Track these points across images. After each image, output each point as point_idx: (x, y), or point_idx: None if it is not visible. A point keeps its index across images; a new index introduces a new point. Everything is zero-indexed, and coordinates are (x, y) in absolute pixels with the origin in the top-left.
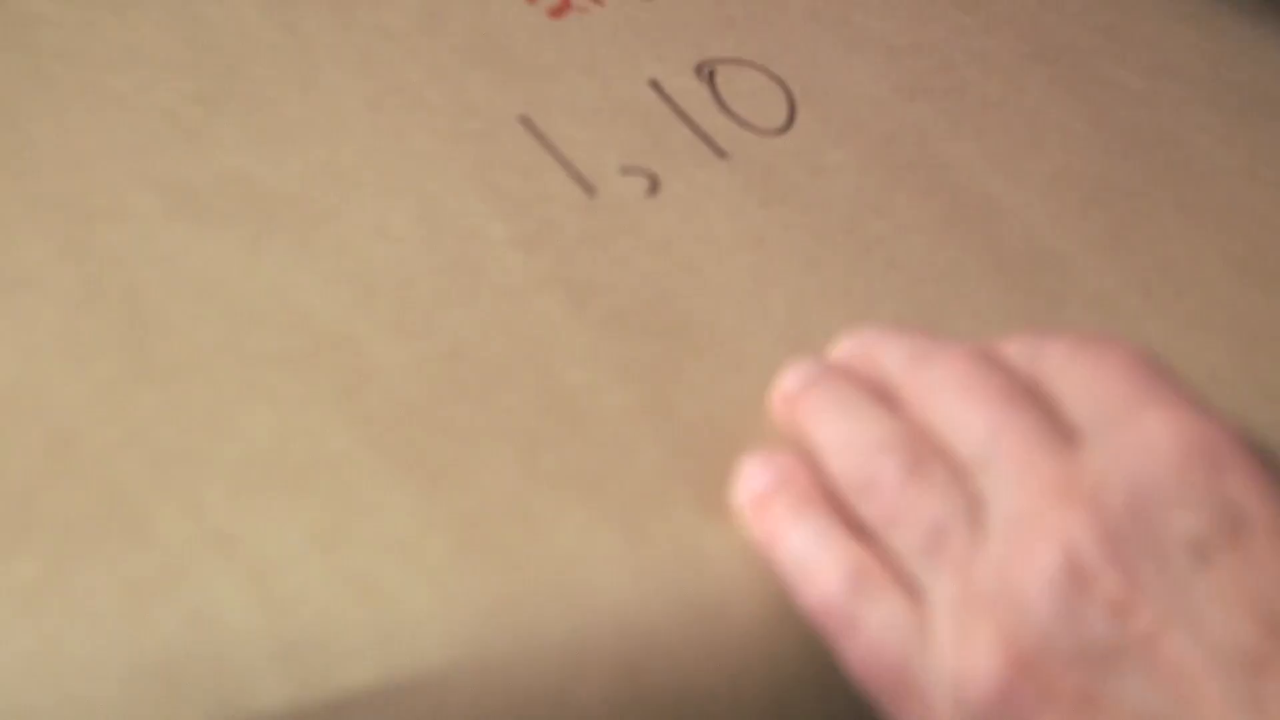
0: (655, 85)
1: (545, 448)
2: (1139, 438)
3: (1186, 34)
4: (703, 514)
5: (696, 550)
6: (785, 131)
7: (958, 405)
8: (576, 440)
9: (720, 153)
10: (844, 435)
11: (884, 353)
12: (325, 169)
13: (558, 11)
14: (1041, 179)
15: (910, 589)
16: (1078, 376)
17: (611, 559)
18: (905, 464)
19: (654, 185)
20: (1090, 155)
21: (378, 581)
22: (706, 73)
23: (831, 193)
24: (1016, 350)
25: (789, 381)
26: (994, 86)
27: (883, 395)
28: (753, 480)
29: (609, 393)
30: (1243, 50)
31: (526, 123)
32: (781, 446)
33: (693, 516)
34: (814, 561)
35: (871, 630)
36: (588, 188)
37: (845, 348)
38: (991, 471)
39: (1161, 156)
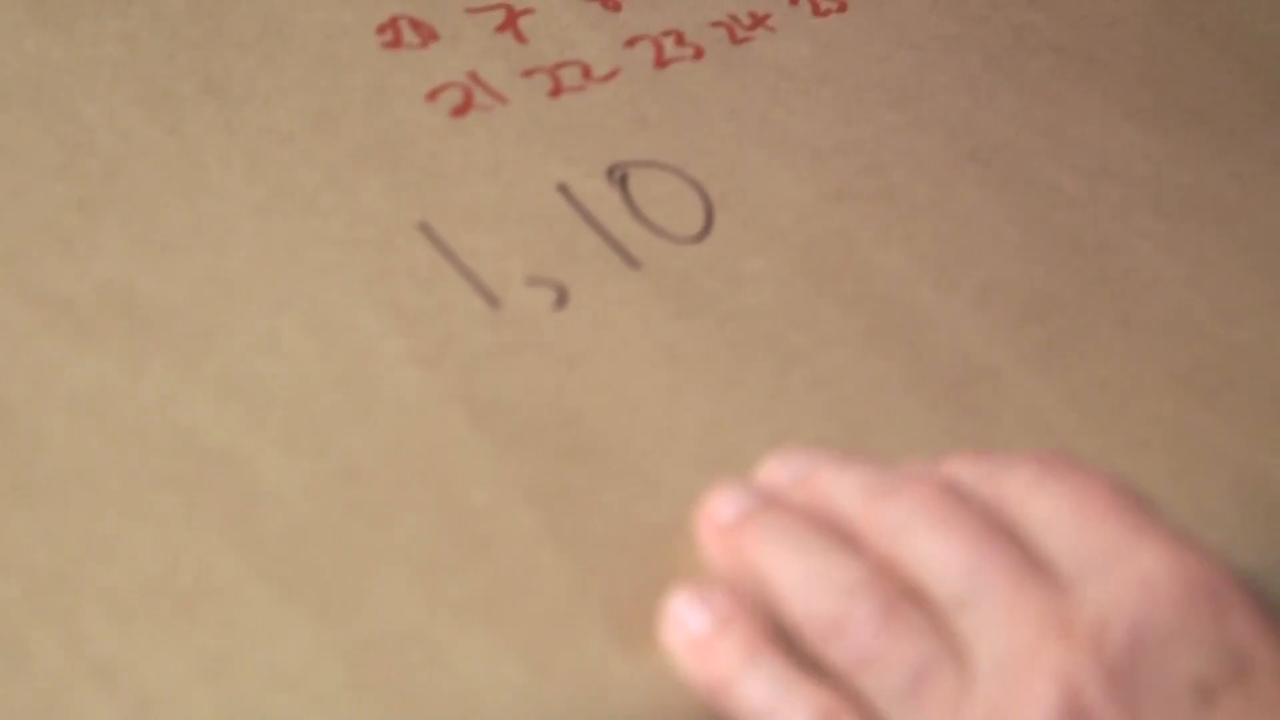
0: (563, 189)
1: (445, 572)
2: (1137, 575)
3: (1129, 134)
4: (611, 645)
5: (603, 683)
6: (702, 239)
7: (931, 542)
8: (479, 565)
9: (633, 262)
10: (803, 574)
11: (831, 484)
12: (212, 279)
13: (459, 111)
14: (973, 289)
15: None
16: (1052, 508)
17: (514, 690)
18: (879, 605)
19: (562, 297)
20: (1025, 264)
21: (268, 714)
22: (618, 176)
23: (751, 304)
24: (974, 476)
25: (723, 510)
26: (924, 189)
27: (836, 530)
28: (689, 622)
29: (514, 515)
30: (1187, 151)
31: (426, 229)
32: (702, 578)
33: (600, 647)
34: (779, 710)
35: None
36: (491, 299)
37: (777, 474)
38: (975, 611)
39: (1100, 264)
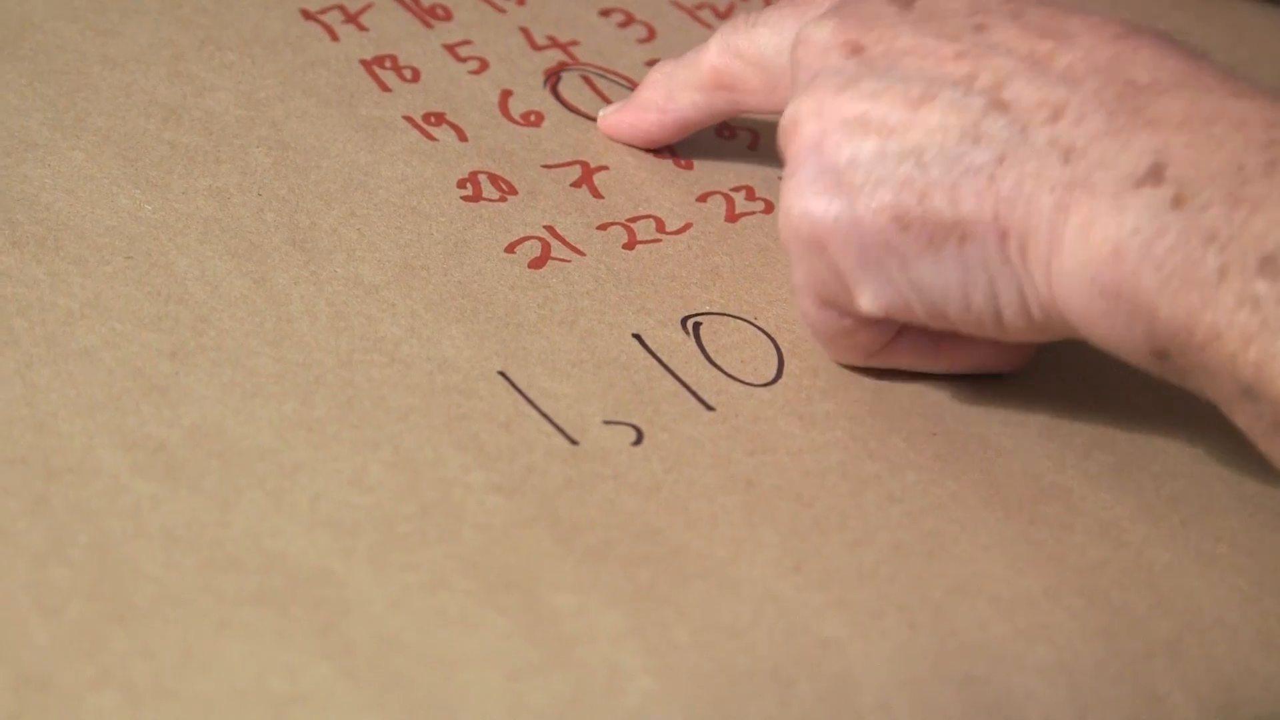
0: (639, 338)
1: (529, 676)
2: None
3: None
4: None
5: None
6: (773, 384)
7: None
8: (562, 668)
9: (707, 405)
10: None
11: None
12: (299, 423)
13: (537, 262)
14: (1040, 424)
15: None
16: None
17: None
18: None
19: (639, 436)
20: (1088, 404)
21: None
22: (692, 325)
23: (823, 440)
24: None
25: None
26: None
27: None
28: None
29: (596, 617)
30: None
31: (506, 376)
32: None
33: None
34: None
35: None
36: (570, 439)
37: None
38: None
39: (1166, 399)
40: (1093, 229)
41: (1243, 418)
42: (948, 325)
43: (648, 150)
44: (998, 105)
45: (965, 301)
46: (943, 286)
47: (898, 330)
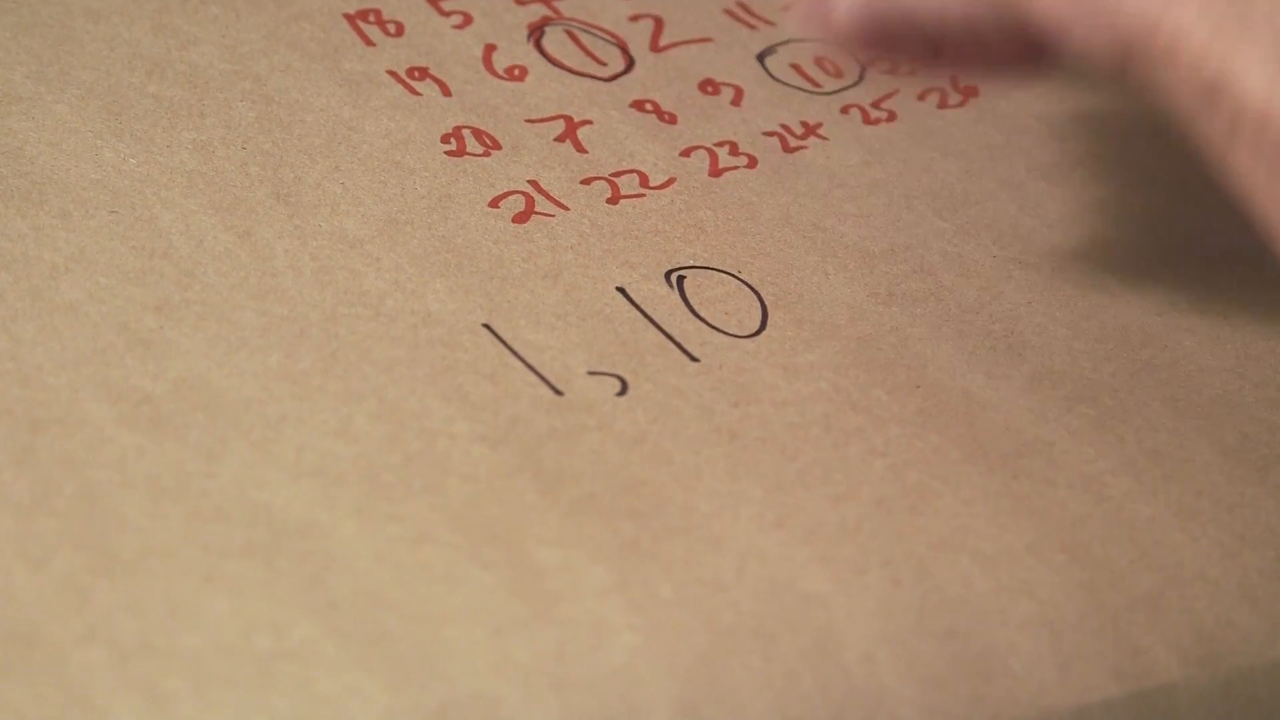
0: (623, 291)
1: (516, 629)
2: None
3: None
4: (679, 705)
5: None
6: (757, 335)
7: None
8: (549, 622)
9: (691, 356)
10: None
11: None
12: (284, 375)
13: (521, 217)
14: (1023, 378)
15: None
16: None
17: None
18: None
19: (624, 387)
20: (1073, 356)
21: None
22: (676, 279)
23: (806, 392)
24: None
25: None
26: (972, 291)
27: None
28: None
29: (582, 571)
30: (1232, 249)
31: (490, 329)
32: (769, 635)
33: (669, 709)
34: None
35: None
36: (555, 389)
37: None
38: None
39: (1147, 356)
40: None
41: (1204, 126)
42: None
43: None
44: None
45: None
46: None
47: None
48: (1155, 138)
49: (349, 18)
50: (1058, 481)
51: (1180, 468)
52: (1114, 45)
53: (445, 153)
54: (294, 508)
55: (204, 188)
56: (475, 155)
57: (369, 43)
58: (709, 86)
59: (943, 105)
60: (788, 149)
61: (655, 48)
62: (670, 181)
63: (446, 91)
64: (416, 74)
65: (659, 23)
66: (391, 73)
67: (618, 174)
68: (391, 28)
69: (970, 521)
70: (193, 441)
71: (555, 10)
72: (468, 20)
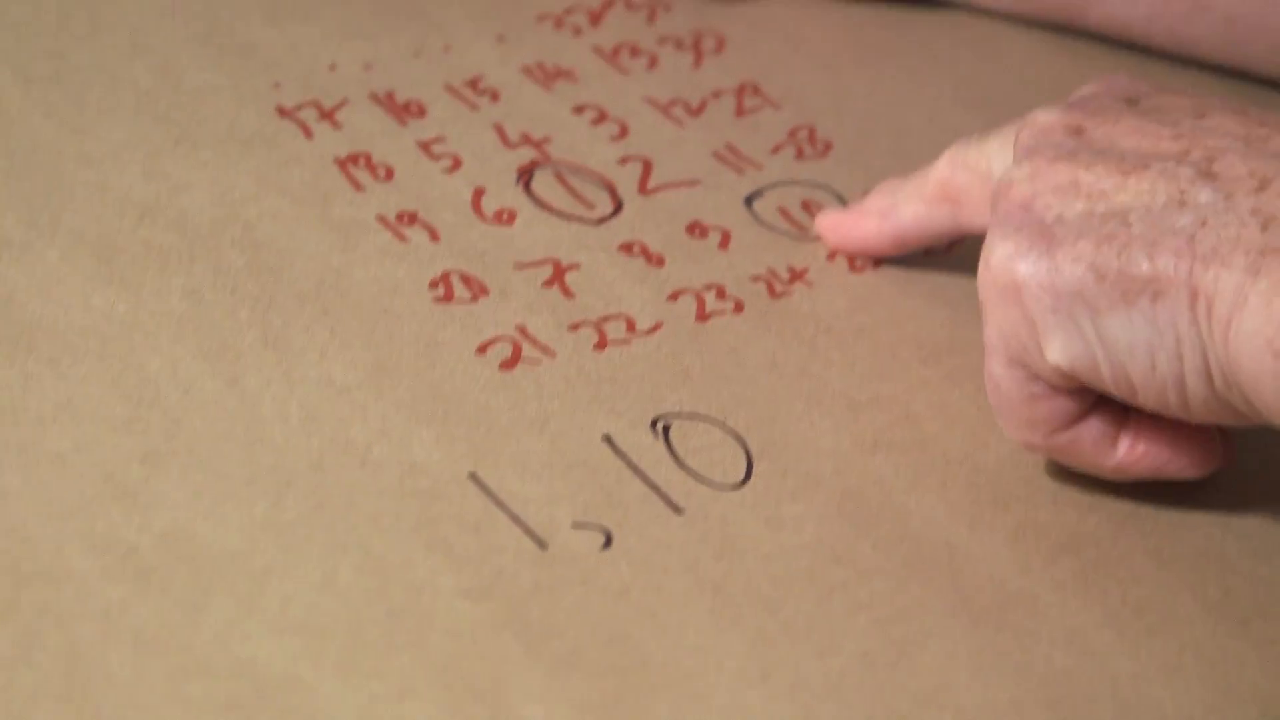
0: (609, 440)
1: None
2: None
3: None
4: None
5: None
6: (742, 486)
7: None
8: None
9: (676, 508)
10: None
11: None
12: (269, 526)
13: (508, 364)
14: (1007, 529)
15: None
16: None
17: None
18: None
19: (608, 540)
20: (1058, 507)
21: None
22: (661, 427)
23: (790, 544)
24: None
25: None
26: (957, 441)
27: None
28: None
29: None
30: None
31: (476, 479)
32: None
33: None
34: None
35: None
36: (540, 541)
37: None
38: None
39: (1130, 508)
40: (1277, 293)
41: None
42: (1130, 393)
43: (855, 259)
44: (1207, 175)
45: (1150, 361)
46: (1129, 344)
47: (1081, 414)
48: None
49: (339, 163)
50: (1041, 635)
51: (1163, 622)
52: None
53: (433, 299)
54: (277, 663)
55: (192, 334)
56: (463, 301)
57: (359, 188)
58: (697, 229)
59: (928, 253)
60: (774, 294)
61: (644, 190)
62: (657, 326)
63: (435, 237)
64: (405, 219)
65: (647, 165)
66: (381, 218)
67: (605, 319)
68: (381, 172)
69: (953, 677)
70: (177, 594)
71: (544, 153)
72: (457, 163)
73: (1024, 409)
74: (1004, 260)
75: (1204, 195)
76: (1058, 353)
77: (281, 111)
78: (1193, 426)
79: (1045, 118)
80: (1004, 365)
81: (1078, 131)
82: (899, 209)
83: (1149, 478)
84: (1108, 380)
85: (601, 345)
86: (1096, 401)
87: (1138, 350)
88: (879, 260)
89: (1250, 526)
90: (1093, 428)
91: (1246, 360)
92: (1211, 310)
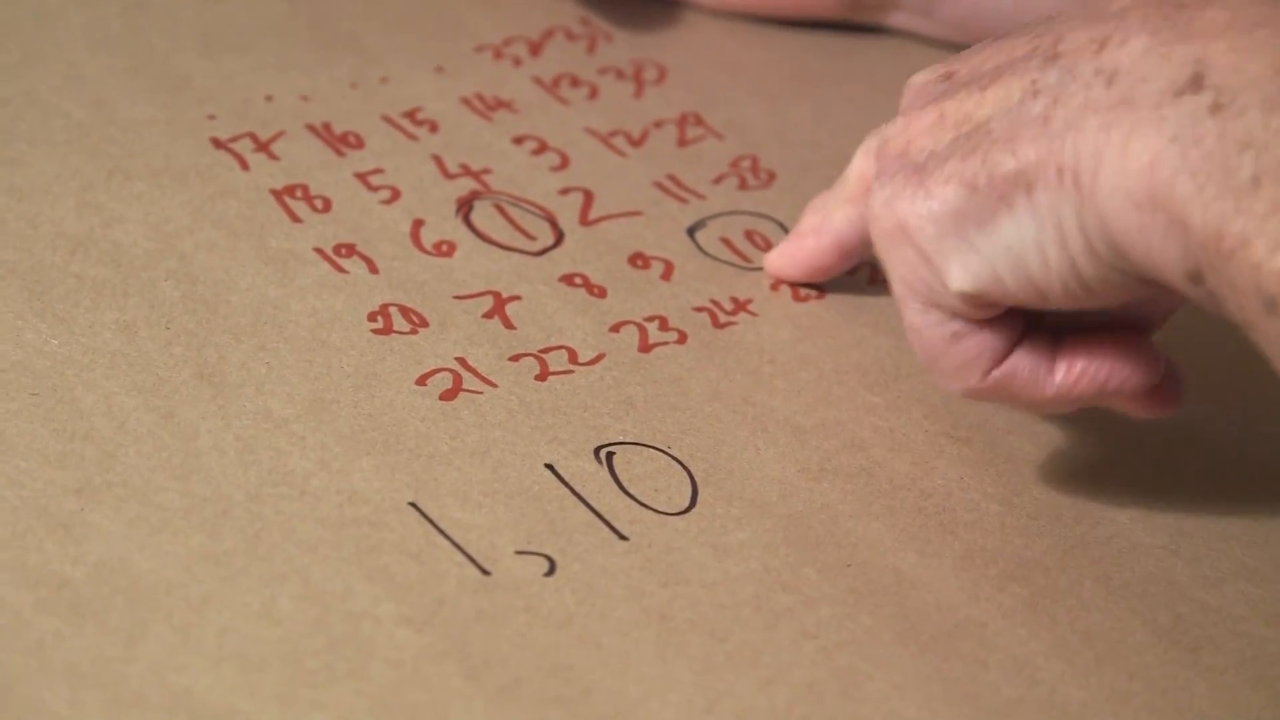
0: (551, 468)
1: None
2: None
3: (1104, 414)
4: None
5: None
6: (687, 513)
7: None
8: None
9: (620, 535)
10: None
11: None
12: (206, 556)
13: (449, 394)
14: (955, 556)
15: None
16: None
17: None
18: None
19: (552, 567)
20: (1006, 533)
21: None
22: (605, 455)
23: (736, 571)
24: None
25: None
26: (903, 466)
27: None
28: None
29: None
30: (1161, 428)
31: (417, 508)
32: None
33: None
34: None
35: None
36: (482, 570)
37: None
38: None
39: (1080, 533)
40: (1132, 141)
41: (1263, 335)
42: (1039, 297)
43: (803, 285)
44: (1052, 57)
45: (1043, 257)
46: (1020, 246)
47: (1010, 345)
48: None
49: (276, 194)
50: (990, 664)
51: (1113, 649)
52: (1183, 261)
53: (372, 331)
54: (215, 694)
55: (126, 369)
56: (402, 333)
57: (295, 219)
58: (639, 260)
59: (873, 281)
60: (718, 325)
61: (585, 221)
62: (599, 357)
63: (374, 269)
64: (344, 251)
65: (589, 196)
66: (318, 250)
67: (546, 350)
68: (319, 203)
69: (901, 706)
70: (112, 625)
71: (484, 184)
72: (396, 195)
73: (951, 352)
74: (883, 206)
75: (1052, 77)
76: (959, 278)
77: (217, 143)
78: (1126, 338)
79: (920, 76)
80: (918, 313)
81: (947, 76)
82: (831, 218)
83: (1096, 400)
84: (1014, 290)
85: (543, 376)
86: (1024, 333)
87: (1028, 250)
88: (822, 290)
89: (1200, 552)
90: (1026, 357)
91: (1114, 220)
92: (1078, 181)
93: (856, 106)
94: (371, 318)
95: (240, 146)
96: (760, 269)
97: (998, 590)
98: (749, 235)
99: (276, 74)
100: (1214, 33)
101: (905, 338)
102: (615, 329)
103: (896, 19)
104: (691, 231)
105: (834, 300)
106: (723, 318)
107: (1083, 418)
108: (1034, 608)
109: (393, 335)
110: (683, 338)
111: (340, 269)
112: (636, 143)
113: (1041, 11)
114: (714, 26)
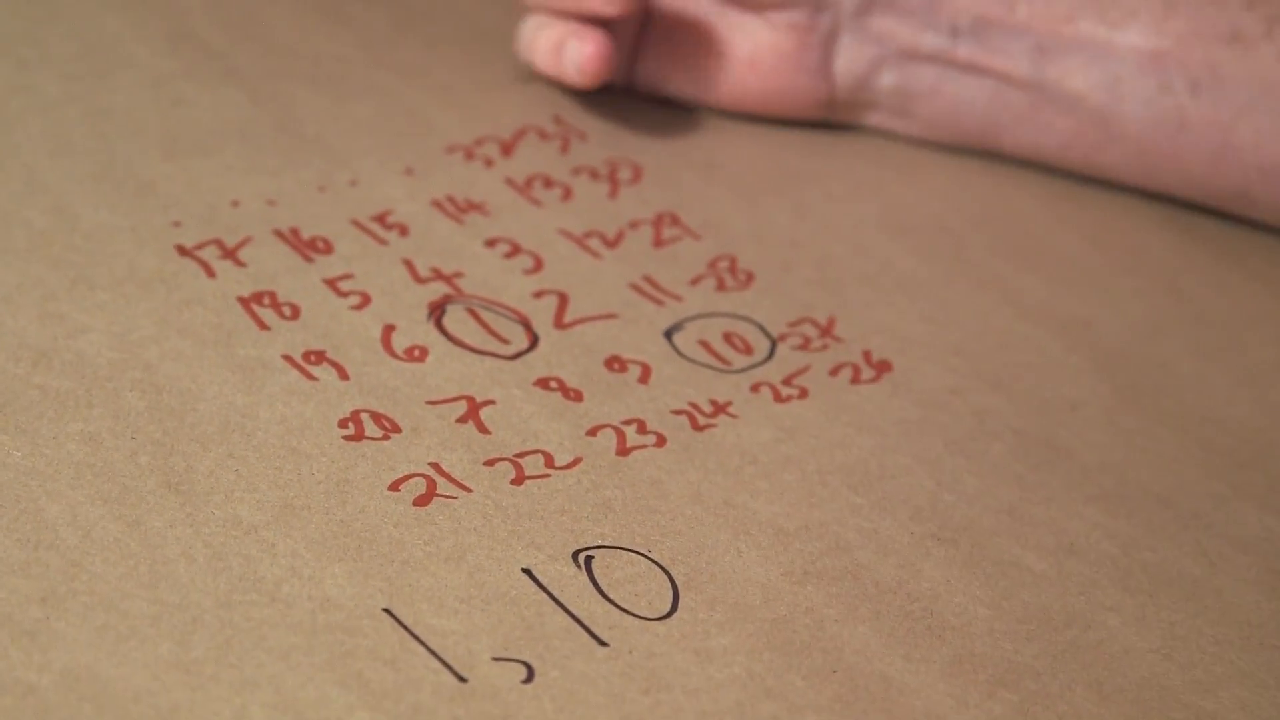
0: (529, 573)
1: None
2: None
3: (1092, 515)
4: None
5: None
6: (668, 618)
7: None
8: None
9: (600, 641)
10: None
11: None
12: (176, 665)
13: (422, 500)
14: (943, 661)
15: None
16: None
17: None
18: None
19: (530, 673)
20: (994, 638)
21: None
22: (583, 559)
23: (719, 678)
24: None
25: None
26: (889, 569)
27: None
28: None
29: None
30: (1152, 531)
31: (391, 614)
32: None
33: None
34: None
35: None
36: (458, 676)
37: None
38: None
39: (1070, 637)
40: None
41: None
42: None
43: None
44: None
45: None
46: None
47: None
48: (1073, 411)
49: (243, 301)
50: None
51: None
52: None
53: (343, 437)
54: None
55: (92, 479)
56: (374, 439)
57: (264, 326)
58: (615, 364)
59: (855, 380)
60: (697, 427)
61: (559, 324)
62: (576, 461)
63: (344, 375)
64: (313, 358)
65: (563, 298)
66: (287, 357)
67: (522, 454)
68: (287, 310)
69: None
70: None
71: (456, 288)
72: (366, 300)
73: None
74: None
75: None
76: None
77: (182, 251)
78: None
79: None
80: None
81: None
82: None
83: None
84: None
85: (519, 480)
86: None
87: None
88: (804, 390)
89: (1194, 656)
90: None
91: None
92: None
93: (836, 204)
94: (342, 424)
95: (206, 254)
96: (740, 370)
97: (987, 697)
98: (728, 337)
99: (243, 177)
100: None
101: (887, 437)
102: (592, 433)
103: (874, 118)
104: (669, 334)
105: (816, 399)
106: (702, 420)
107: (1069, 517)
108: (1024, 714)
109: (364, 441)
110: (661, 440)
111: (310, 376)
112: (612, 244)
113: (1012, 116)
114: (690, 124)
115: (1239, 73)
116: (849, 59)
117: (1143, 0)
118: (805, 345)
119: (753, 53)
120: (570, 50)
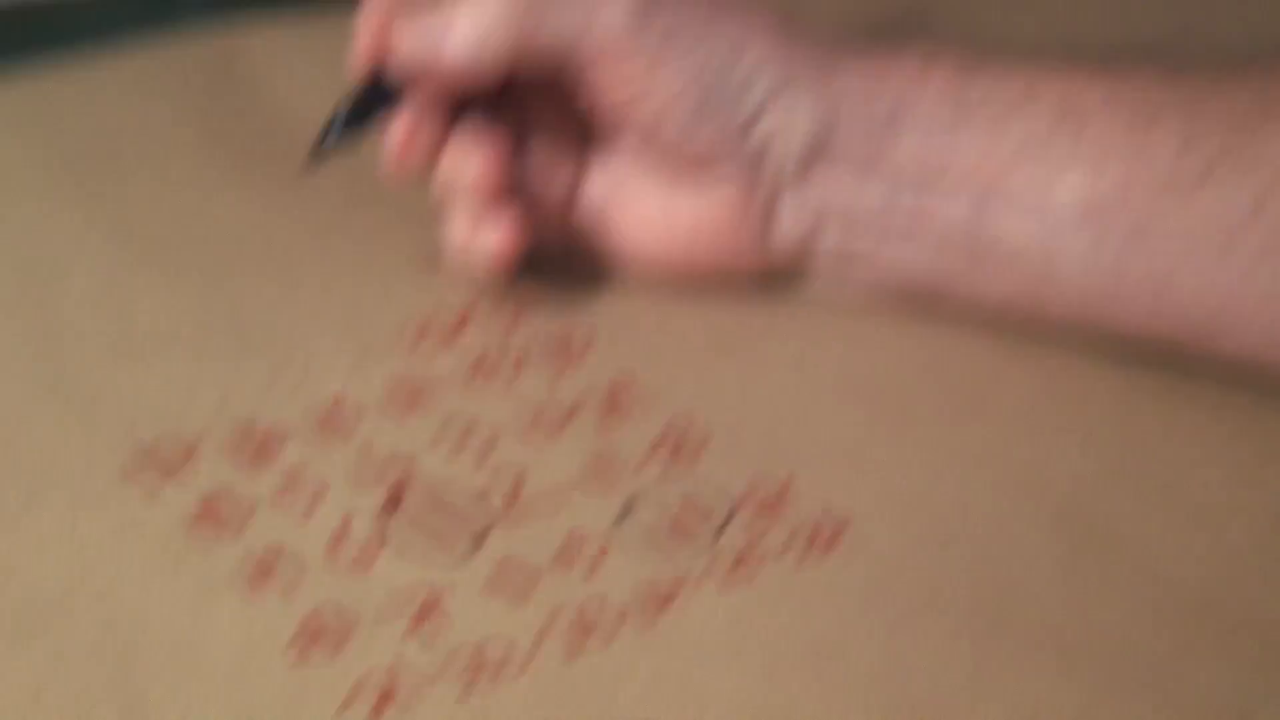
0: None
1: None
2: None
3: (1050, 677)
4: None
5: None
6: None
7: None
8: None
9: None
10: None
11: None
12: None
13: (376, 711)
14: None
15: None
16: None
17: None
18: None
19: None
20: None
21: None
22: None
23: None
24: None
25: None
26: None
27: None
28: None
29: None
30: (1113, 692)
31: None
32: None
33: None
34: None
35: None
36: None
37: None
38: None
39: None
40: None
41: None
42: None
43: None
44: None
45: None
46: None
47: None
48: (1025, 568)
49: (191, 518)
50: None
51: None
52: None
53: (293, 655)
54: None
55: (41, 712)
56: (324, 653)
57: (212, 543)
58: (568, 550)
59: (811, 545)
60: (650, 613)
61: (510, 510)
62: (531, 661)
63: (292, 590)
64: (261, 574)
65: (517, 483)
66: (235, 575)
67: (478, 656)
68: (234, 524)
69: None
70: None
71: (409, 476)
72: (316, 501)
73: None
74: None
75: None
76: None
77: (128, 468)
78: None
79: None
80: None
81: None
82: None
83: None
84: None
85: (474, 682)
86: None
87: None
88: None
89: None
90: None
91: None
92: None
93: (790, 370)
94: (293, 640)
95: (155, 467)
96: (695, 551)
97: None
98: (681, 512)
99: (193, 378)
100: None
101: (845, 613)
102: (547, 622)
103: (813, 287)
104: (621, 517)
105: (769, 577)
106: (653, 606)
107: (1027, 679)
108: None
109: (313, 656)
110: (614, 633)
111: (257, 593)
112: (564, 421)
113: (954, 273)
114: (635, 290)
115: (1174, 224)
116: (791, 222)
117: (1079, 147)
118: (759, 513)
119: (693, 227)
120: (481, 240)
